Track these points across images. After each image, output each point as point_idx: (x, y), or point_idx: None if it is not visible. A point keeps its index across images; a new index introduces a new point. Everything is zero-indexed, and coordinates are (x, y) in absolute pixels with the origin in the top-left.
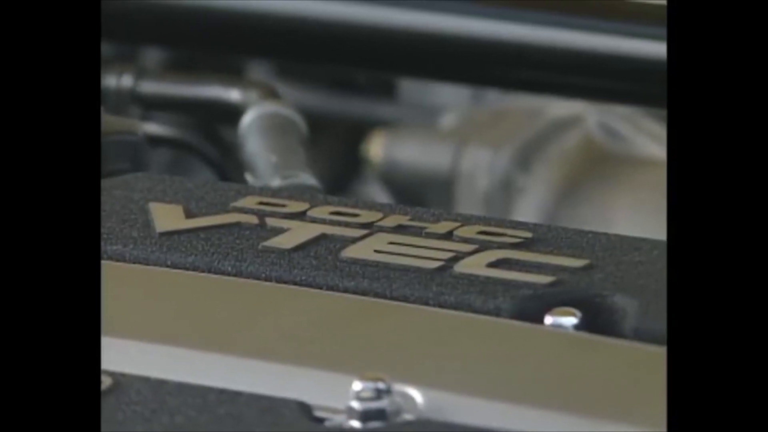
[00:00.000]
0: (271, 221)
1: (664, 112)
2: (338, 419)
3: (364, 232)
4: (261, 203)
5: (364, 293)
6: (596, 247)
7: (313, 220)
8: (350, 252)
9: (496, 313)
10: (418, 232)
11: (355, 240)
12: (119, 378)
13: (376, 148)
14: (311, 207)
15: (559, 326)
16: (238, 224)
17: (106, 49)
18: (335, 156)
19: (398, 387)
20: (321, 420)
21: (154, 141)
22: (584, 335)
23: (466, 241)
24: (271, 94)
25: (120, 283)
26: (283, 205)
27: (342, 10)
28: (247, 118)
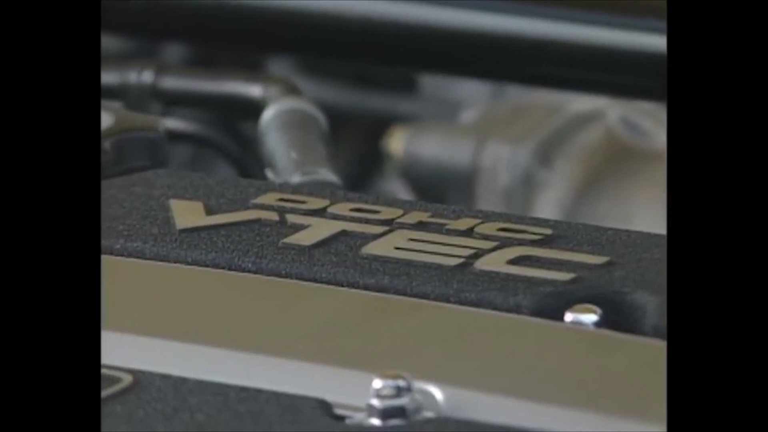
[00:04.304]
0: (291, 218)
1: None
2: (358, 417)
3: (385, 228)
4: (281, 200)
5: (384, 290)
6: (617, 244)
7: (334, 217)
8: (371, 249)
9: (517, 310)
10: (439, 229)
11: (375, 237)
12: (140, 376)
13: (397, 143)
14: (331, 203)
15: (580, 323)
16: (258, 221)
17: (127, 45)
18: (356, 152)
19: (418, 384)
20: (341, 418)
21: (175, 137)
22: (604, 332)
23: (486, 237)
24: (292, 90)
25: (140, 280)
26: (304, 202)
27: (362, 5)
28: (268, 114)
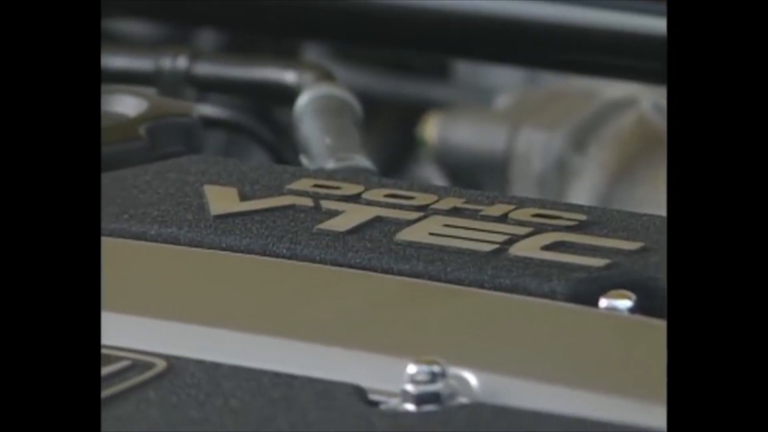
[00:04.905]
0: (325, 204)
1: None
2: (393, 402)
3: (419, 214)
4: (315, 186)
5: (418, 276)
6: (651, 230)
7: (368, 203)
8: (405, 235)
9: (551, 296)
10: (473, 215)
11: (409, 223)
12: (173, 361)
13: (431, 129)
14: (366, 189)
15: (614, 309)
16: (292, 207)
17: (161, 31)
18: (390, 138)
19: (453, 370)
20: (375, 403)
21: (209, 123)
22: (639, 318)
23: (520, 223)
24: (326, 76)
25: (175, 266)
26: (338, 188)
27: None
28: (302, 100)
